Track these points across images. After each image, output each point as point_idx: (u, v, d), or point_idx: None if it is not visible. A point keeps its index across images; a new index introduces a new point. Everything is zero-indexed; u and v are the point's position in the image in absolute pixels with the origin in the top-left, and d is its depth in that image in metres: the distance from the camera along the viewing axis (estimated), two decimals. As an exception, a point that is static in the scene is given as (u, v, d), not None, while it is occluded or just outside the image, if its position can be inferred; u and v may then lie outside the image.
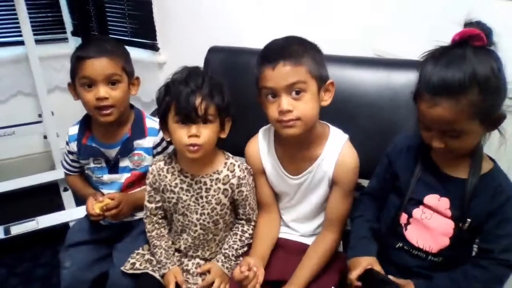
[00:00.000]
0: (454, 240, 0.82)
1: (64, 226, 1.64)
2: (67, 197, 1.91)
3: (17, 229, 1.65)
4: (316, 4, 1.52)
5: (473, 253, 0.86)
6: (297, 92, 0.83)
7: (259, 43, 0.92)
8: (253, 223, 1.03)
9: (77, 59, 0.99)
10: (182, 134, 0.88)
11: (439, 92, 0.70)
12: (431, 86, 0.71)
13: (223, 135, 0.94)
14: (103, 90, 0.99)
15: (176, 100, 0.87)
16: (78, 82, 1.00)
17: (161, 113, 0.92)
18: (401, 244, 0.88)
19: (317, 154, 0.94)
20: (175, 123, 0.88)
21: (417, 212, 0.85)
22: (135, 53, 2.01)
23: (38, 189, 1.93)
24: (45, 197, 1.95)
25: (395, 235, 0.88)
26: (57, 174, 1.93)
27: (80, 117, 1.12)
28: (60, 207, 1.87)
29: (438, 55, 0.74)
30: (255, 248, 0.98)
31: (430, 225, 0.84)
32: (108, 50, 1.00)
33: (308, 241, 1.02)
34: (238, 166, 0.97)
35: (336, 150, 0.93)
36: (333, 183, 0.95)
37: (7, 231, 1.63)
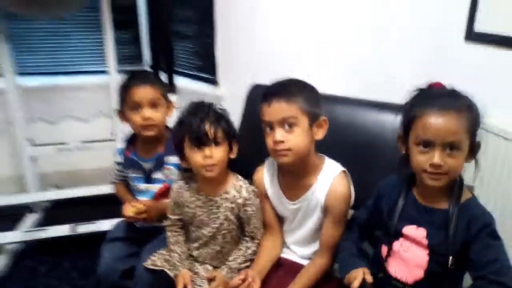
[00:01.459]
0: (428, 273, 0.88)
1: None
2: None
3: (83, 228, 1.91)
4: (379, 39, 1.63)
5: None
6: (289, 126, 0.97)
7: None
8: (257, 241, 1.15)
9: (126, 88, 1.24)
10: (198, 157, 1.05)
11: (447, 106, 0.81)
12: (437, 104, 0.82)
13: (232, 156, 1.11)
14: (147, 112, 1.22)
15: (189, 129, 1.05)
16: (127, 106, 1.24)
17: (178, 145, 1.10)
18: (382, 274, 0.95)
19: (312, 183, 1.06)
20: (190, 149, 1.06)
21: (396, 244, 0.93)
22: (197, 86, 2.32)
23: (105, 198, 2.24)
24: (109, 205, 2.24)
25: (378, 266, 0.96)
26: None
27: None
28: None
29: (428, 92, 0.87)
30: (255, 263, 1.11)
31: (406, 257, 0.90)
32: (150, 79, 1.25)
33: (306, 263, 1.12)
34: (246, 188, 1.12)
35: (329, 180, 1.04)
36: (325, 211, 1.06)
37: (74, 229, 1.92)
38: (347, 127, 1.20)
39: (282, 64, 1.80)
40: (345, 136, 1.19)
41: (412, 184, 0.93)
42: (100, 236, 1.89)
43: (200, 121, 1.04)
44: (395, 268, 0.93)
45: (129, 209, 1.22)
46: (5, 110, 2.18)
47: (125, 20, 2.29)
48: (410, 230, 0.90)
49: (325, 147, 1.08)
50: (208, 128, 1.04)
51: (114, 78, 2.16)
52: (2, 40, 1.99)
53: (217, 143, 1.05)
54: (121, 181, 1.40)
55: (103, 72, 2.30)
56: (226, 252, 1.17)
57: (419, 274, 0.89)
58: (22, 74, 2.23)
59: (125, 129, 2.18)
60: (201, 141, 1.04)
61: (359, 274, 0.88)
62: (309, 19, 1.77)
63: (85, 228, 1.91)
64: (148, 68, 2.46)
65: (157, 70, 2.25)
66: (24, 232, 1.96)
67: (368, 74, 1.63)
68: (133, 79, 1.27)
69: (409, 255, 0.90)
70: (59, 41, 2.40)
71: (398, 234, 0.92)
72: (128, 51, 2.44)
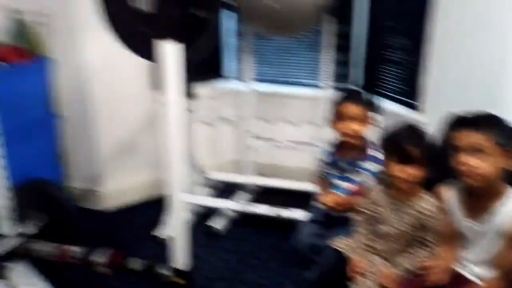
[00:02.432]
0: None
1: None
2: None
3: (284, 212, 2.26)
4: None
5: None
6: (476, 152, 1.09)
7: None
8: (434, 250, 1.29)
9: (339, 103, 1.56)
10: (395, 169, 1.27)
11: None
12: None
13: (425, 175, 1.27)
14: (352, 125, 1.52)
15: (392, 144, 1.28)
16: (337, 118, 1.55)
17: (384, 153, 1.34)
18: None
19: (493, 207, 1.15)
20: (390, 161, 1.29)
21: None
22: (400, 109, 2.48)
23: (300, 192, 2.62)
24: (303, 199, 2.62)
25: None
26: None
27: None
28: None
29: None
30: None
31: None
32: (359, 99, 1.54)
33: (477, 280, 1.21)
34: (431, 202, 1.28)
35: (510, 207, 1.11)
36: (504, 235, 1.13)
37: (277, 212, 2.30)
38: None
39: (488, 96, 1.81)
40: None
41: None
42: (292, 222, 2.26)
43: (403, 139, 1.25)
44: None
45: (328, 198, 1.52)
46: (239, 107, 2.82)
47: (341, 44, 2.61)
48: None
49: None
50: (408, 147, 1.24)
51: (325, 92, 2.53)
52: (249, 53, 2.58)
53: (413, 162, 1.24)
54: (321, 176, 1.72)
55: (314, 85, 2.71)
56: (404, 253, 1.34)
57: None
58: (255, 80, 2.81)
59: (329, 136, 2.53)
60: (400, 157, 1.25)
61: None
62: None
63: (286, 212, 2.28)
64: (353, 87, 2.75)
65: (365, 90, 2.53)
66: (239, 204, 2.49)
67: None
68: (346, 96, 1.57)
69: None
70: (285, 56, 2.91)
71: None
72: (338, 70, 2.77)
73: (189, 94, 2.36)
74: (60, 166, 2.53)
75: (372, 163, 1.54)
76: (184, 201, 1.82)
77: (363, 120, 1.53)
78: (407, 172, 1.24)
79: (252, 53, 2.60)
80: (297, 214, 2.20)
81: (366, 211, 1.42)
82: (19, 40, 2.29)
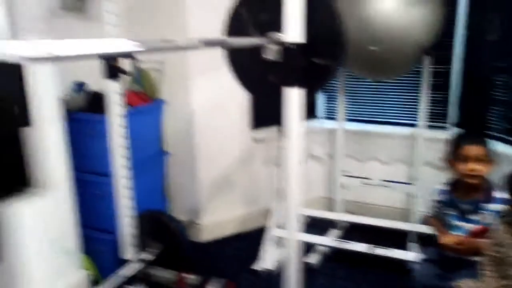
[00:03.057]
0: None
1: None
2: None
3: (380, 251, 2.24)
4: None
5: None
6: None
7: None
8: None
9: (458, 144, 1.57)
10: None
11: None
12: None
13: None
14: (473, 165, 1.53)
15: None
16: (457, 158, 1.56)
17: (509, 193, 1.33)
18: None
19: None
20: None
21: None
22: (505, 148, 2.40)
23: (391, 231, 2.59)
24: (396, 238, 2.58)
25: None
26: (408, 226, 2.54)
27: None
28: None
29: None
30: None
31: None
32: (480, 140, 1.56)
33: None
34: None
35: None
36: None
37: (371, 250, 2.30)
38: None
39: None
40: None
41: None
42: (388, 261, 2.23)
43: None
44: None
45: (450, 239, 1.52)
46: (330, 145, 2.89)
47: (438, 83, 2.62)
48: None
49: None
50: None
51: (421, 132, 2.53)
52: (341, 93, 2.67)
53: None
54: (438, 216, 1.71)
55: (408, 124, 2.73)
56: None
57: None
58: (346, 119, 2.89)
59: (424, 175, 2.49)
60: None
61: None
62: None
63: (382, 251, 2.27)
64: (453, 127, 2.72)
65: (462, 128, 2.50)
66: (332, 240, 2.52)
67: None
68: (466, 137, 1.59)
69: None
70: (377, 94, 2.96)
71: None
72: (436, 109, 2.76)
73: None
74: (166, 199, 2.74)
75: (495, 203, 1.53)
76: (285, 236, 1.88)
77: (485, 161, 1.54)
78: None
79: (344, 92, 2.68)
80: (396, 253, 2.19)
81: (491, 253, 1.39)
82: (138, 84, 2.58)
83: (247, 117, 2.78)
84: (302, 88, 1.47)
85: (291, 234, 1.79)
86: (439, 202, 1.69)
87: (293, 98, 1.47)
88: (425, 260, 1.64)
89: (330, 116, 3.06)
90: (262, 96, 1.85)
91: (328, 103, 3.10)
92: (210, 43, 1.17)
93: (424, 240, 2.29)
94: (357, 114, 3.02)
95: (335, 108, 2.78)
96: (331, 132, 2.87)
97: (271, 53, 1.46)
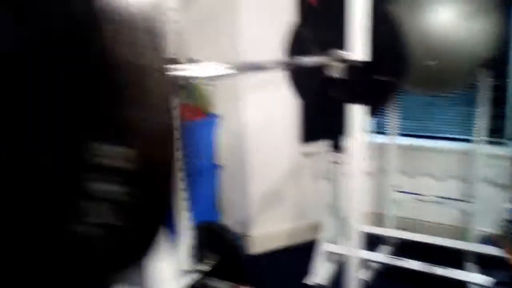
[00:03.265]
0: None
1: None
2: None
3: (438, 270, 2.18)
4: None
5: None
6: None
7: None
8: None
9: None
10: None
11: None
12: None
13: None
14: None
15: None
16: None
17: None
18: None
19: None
20: None
21: None
22: None
23: (445, 249, 2.52)
24: (452, 257, 2.51)
25: None
26: (466, 245, 2.47)
27: None
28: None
29: None
30: None
31: None
32: None
33: None
34: None
35: None
36: None
37: (428, 268, 2.24)
38: None
39: None
40: None
41: None
42: (444, 281, 2.16)
43: None
44: None
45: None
46: (380, 160, 2.86)
47: (496, 97, 2.55)
48: None
49: None
50: None
51: (478, 147, 2.46)
52: (393, 108, 2.65)
53: None
54: (508, 237, 1.66)
55: (463, 139, 2.68)
56: None
57: None
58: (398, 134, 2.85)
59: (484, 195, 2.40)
60: None
61: None
62: None
63: (441, 271, 2.19)
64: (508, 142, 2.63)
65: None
66: (387, 256, 2.47)
67: None
68: None
69: None
70: (430, 109, 2.91)
71: None
72: (492, 124, 2.69)
73: (337, 147, 2.49)
74: (219, 211, 2.80)
75: None
76: (343, 252, 1.88)
77: None
78: None
79: (396, 107, 2.66)
80: (457, 273, 2.13)
81: None
82: (192, 99, 2.67)
83: (297, 132, 2.81)
84: (365, 105, 1.49)
85: (350, 251, 1.79)
86: (510, 221, 1.64)
87: (356, 114, 1.49)
88: (497, 284, 1.58)
89: (380, 131, 3.04)
90: (319, 110, 1.88)
91: (378, 117, 3.07)
92: (287, 64, 1.22)
93: (486, 261, 2.21)
94: (408, 128, 2.98)
95: (386, 122, 2.76)
96: (381, 147, 2.84)
97: (334, 70, 1.49)
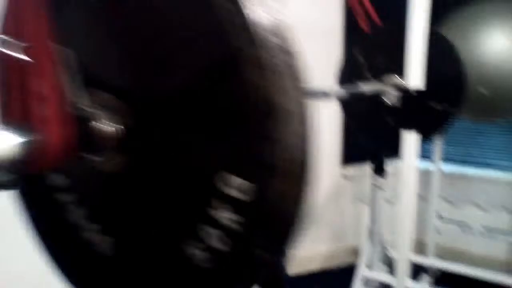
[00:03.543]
0: None
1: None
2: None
3: None
4: None
5: None
6: None
7: None
8: None
9: None
10: None
11: None
12: None
13: None
14: None
15: None
16: None
17: None
18: None
19: None
20: None
21: None
22: None
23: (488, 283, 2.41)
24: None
25: None
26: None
27: None
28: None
29: None
30: None
31: None
32: None
33: None
34: None
35: None
36: None
37: None
38: None
39: None
40: None
41: None
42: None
43: None
44: None
45: None
46: (421, 186, 2.79)
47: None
48: None
49: None
50: None
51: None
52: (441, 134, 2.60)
53: None
54: None
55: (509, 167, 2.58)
56: None
57: None
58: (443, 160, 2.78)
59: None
60: None
61: None
62: None
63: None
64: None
65: None
66: (429, 286, 2.40)
67: None
68: None
69: None
70: (475, 136, 2.83)
71: None
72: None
73: (380, 171, 2.45)
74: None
75: None
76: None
77: None
78: None
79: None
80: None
81: None
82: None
83: (339, 153, 2.79)
84: (418, 133, 1.47)
85: (394, 280, 1.75)
86: None
87: (410, 141, 1.47)
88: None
89: (423, 155, 2.97)
90: (369, 134, 1.87)
91: (423, 142, 3.01)
92: (347, 91, 1.24)
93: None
94: (454, 155, 2.90)
95: (429, 147, 2.69)
96: (424, 173, 2.77)
97: (389, 97, 1.48)
